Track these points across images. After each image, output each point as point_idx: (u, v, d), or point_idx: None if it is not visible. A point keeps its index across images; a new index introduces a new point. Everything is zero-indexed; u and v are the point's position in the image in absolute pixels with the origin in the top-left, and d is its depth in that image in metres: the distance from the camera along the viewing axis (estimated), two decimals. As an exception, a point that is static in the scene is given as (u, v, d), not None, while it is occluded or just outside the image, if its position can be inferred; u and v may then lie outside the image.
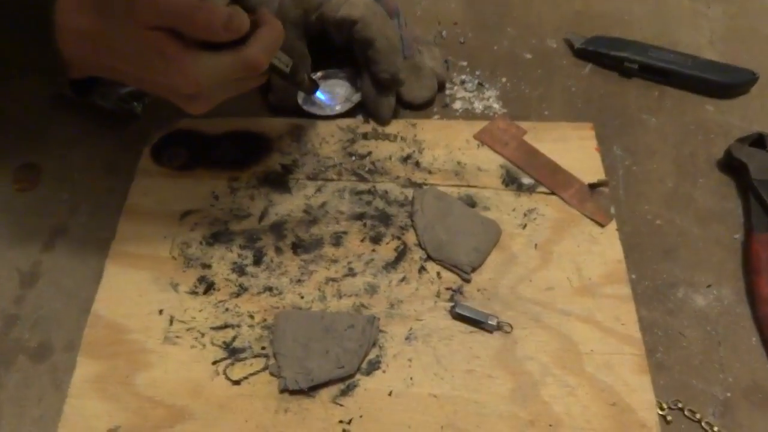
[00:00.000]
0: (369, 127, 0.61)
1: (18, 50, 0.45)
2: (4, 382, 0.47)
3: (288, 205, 0.55)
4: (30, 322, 0.50)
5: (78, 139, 0.61)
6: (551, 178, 0.57)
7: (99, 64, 0.44)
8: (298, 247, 0.52)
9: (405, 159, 0.58)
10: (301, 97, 0.62)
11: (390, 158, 0.58)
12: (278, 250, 0.52)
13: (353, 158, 0.58)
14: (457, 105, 0.64)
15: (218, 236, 0.53)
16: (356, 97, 0.62)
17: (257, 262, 0.52)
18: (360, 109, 0.62)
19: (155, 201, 0.55)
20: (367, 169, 0.58)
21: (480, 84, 0.66)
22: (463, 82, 0.66)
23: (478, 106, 0.64)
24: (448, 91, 0.65)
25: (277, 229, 0.53)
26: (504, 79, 0.67)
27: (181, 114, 0.47)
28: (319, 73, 0.64)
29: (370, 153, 0.59)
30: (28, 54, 0.45)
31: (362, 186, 0.56)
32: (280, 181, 0.57)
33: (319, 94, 0.61)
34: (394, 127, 0.61)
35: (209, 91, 0.45)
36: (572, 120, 0.62)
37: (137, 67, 0.43)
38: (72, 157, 0.60)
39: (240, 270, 0.51)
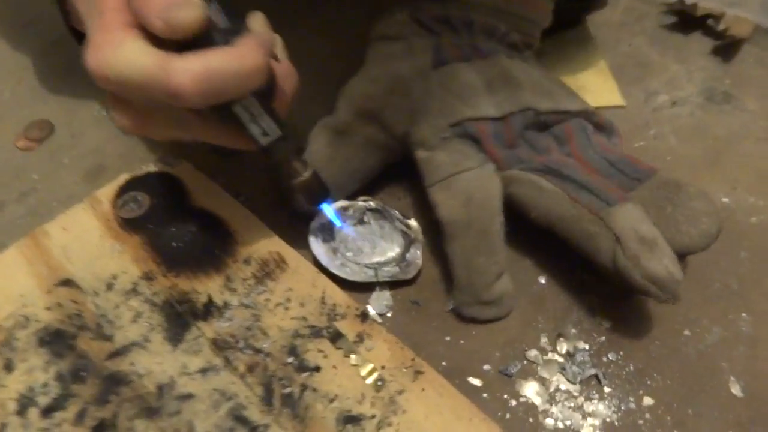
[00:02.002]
0: (358, 326, 0.36)
1: None
2: None
3: (154, 362, 0.35)
4: None
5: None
6: None
7: (77, 12, 0.35)
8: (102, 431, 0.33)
9: (349, 420, 0.33)
10: (317, 221, 0.40)
11: (332, 401, 0.34)
12: (80, 416, 0.34)
13: (291, 360, 0.35)
14: (526, 388, 0.35)
15: (57, 340, 0.37)
16: (387, 273, 0.38)
17: (49, 411, 0.34)
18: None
19: (61, 245, 0.41)
20: (288, 391, 0.34)
21: (596, 379, 0.35)
22: (570, 354, 0.36)
23: (552, 411, 0.34)
24: (533, 353, 0.36)
25: (112, 384, 0.35)
26: (647, 401, 0.34)
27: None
28: (366, 202, 0.41)
29: (317, 370, 0.35)
30: None
31: (256, 416, 0.33)
32: (180, 322, 0.37)
33: (327, 211, 0.39)
34: (393, 357, 0.35)
35: (125, 95, 0.32)
36: None
37: (87, 20, 0.32)
38: (86, 137, 0.50)
39: (24, 406, 0.34)
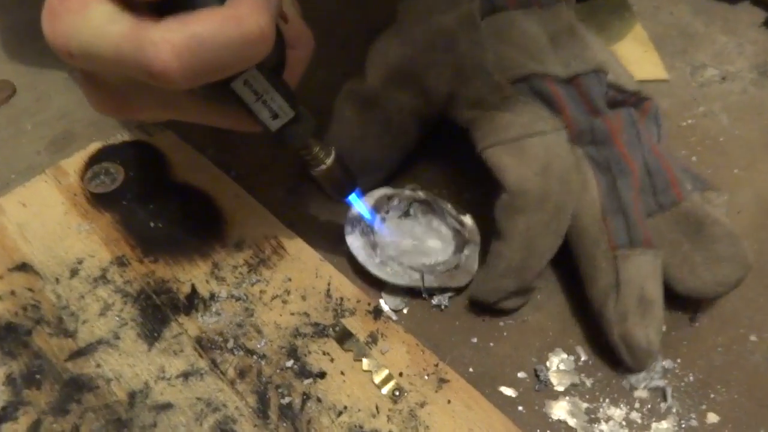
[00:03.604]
0: (370, 324, 0.31)
1: None
2: None
3: (125, 364, 0.30)
4: None
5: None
6: None
7: None
8: (56, 451, 0.27)
9: (357, 428, 0.27)
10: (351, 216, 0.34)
11: (341, 413, 0.28)
12: (33, 428, 0.28)
13: (290, 364, 0.29)
14: (569, 400, 0.29)
15: (8, 335, 0.31)
16: (435, 279, 0.32)
17: (-4, 421, 0.28)
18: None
19: (18, 223, 0.35)
20: (287, 401, 0.28)
21: (660, 393, 0.30)
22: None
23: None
24: (573, 357, 0.31)
25: (73, 390, 0.29)
26: (712, 418, 0.29)
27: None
28: (414, 191, 0.35)
29: (321, 376, 0.29)
30: None
31: (248, 430, 0.28)
32: (158, 316, 0.31)
33: (357, 204, 0.32)
34: (413, 362, 0.29)
35: (97, 72, 0.25)
36: None
37: None
38: (52, 100, 0.43)
39: (-37, 414, 0.28)
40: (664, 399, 0.29)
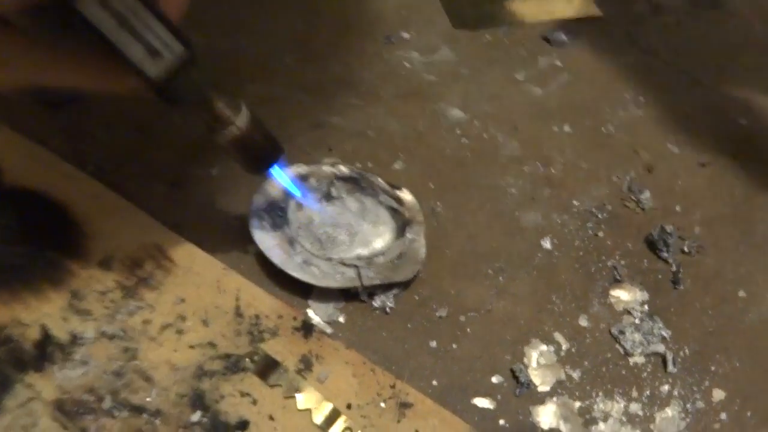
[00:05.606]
0: (300, 345, 0.23)
1: None
2: None
3: (-53, 460, 0.20)
4: None
5: None
6: None
7: None
8: None
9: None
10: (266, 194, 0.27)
11: (273, 477, 0.20)
12: None
13: (197, 418, 0.21)
14: (556, 402, 0.24)
15: None
16: (374, 274, 0.25)
17: None
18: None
19: None
20: (197, 472, 0.20)
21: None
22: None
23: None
24: (553, 348, 0.25)
25: None
26: (718, 395, 0.25)
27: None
28: (335, 167, 0.28)
29: (243, 428, 0.21)
30: None
31: None
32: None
33: (281, 177, 0.24)
34: (363, 387, 0.22)
35: None
36: None
37: None
38: None
39: None
40: (664, 367, 0.25)
